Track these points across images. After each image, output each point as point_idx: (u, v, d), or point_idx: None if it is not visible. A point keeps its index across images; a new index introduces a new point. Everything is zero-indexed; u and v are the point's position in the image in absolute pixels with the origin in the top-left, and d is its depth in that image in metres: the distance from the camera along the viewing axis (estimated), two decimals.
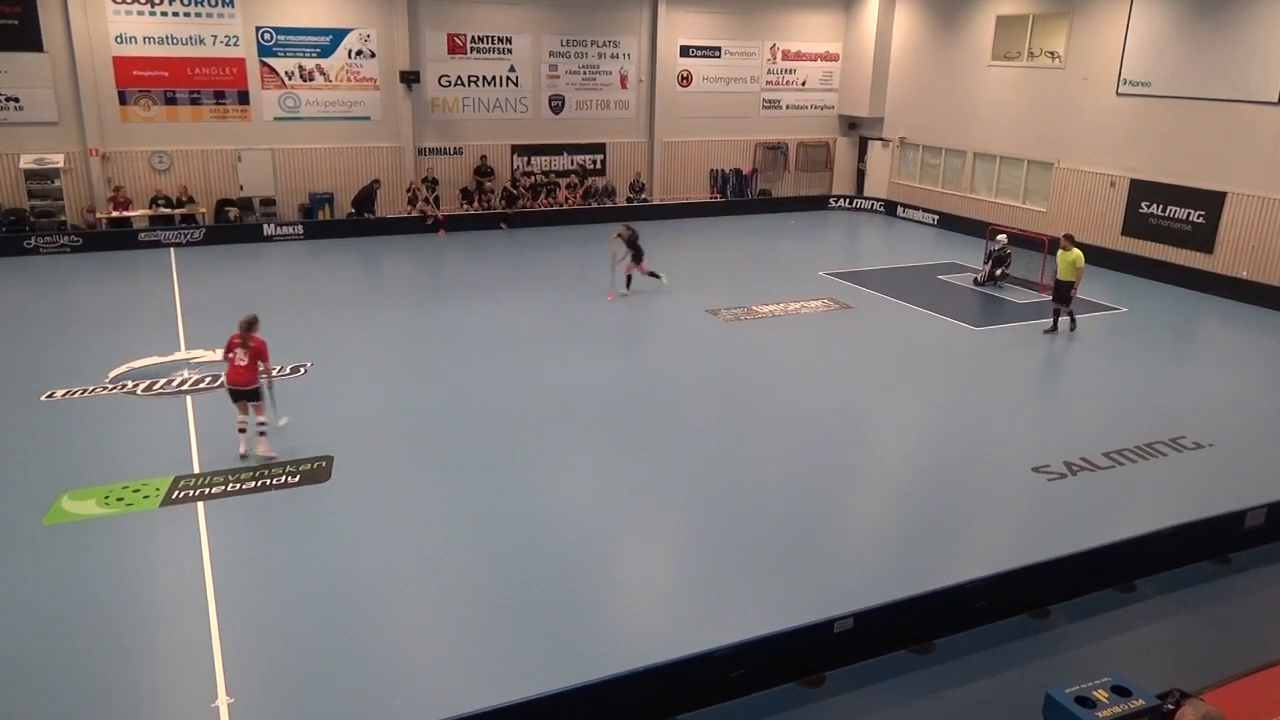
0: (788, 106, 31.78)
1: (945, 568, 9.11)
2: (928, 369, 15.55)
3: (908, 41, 30.13)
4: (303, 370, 14.56)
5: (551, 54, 28.22)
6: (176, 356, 14.95)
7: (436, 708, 6.86)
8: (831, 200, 32.25)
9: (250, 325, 11.44)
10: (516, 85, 28.04)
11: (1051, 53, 25.38)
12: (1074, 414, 13.62)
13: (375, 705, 7.22)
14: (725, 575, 9.13)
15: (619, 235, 19.32)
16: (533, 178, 28.48)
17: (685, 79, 30.01)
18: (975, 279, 21.36)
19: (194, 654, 7.82)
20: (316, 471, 11.08)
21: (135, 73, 23.78)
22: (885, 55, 30.77)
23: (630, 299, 19.16)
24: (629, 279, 19.48)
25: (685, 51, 29.80)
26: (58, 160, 23.19)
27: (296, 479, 10.89)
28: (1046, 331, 17.29)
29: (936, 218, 28.75)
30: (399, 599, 8.70)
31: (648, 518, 10.38)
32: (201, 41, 24.17)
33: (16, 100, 22.85)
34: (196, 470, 11.11)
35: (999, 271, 20.98)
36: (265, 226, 24.67)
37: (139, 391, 13.58)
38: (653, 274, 19.70)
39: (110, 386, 13.70)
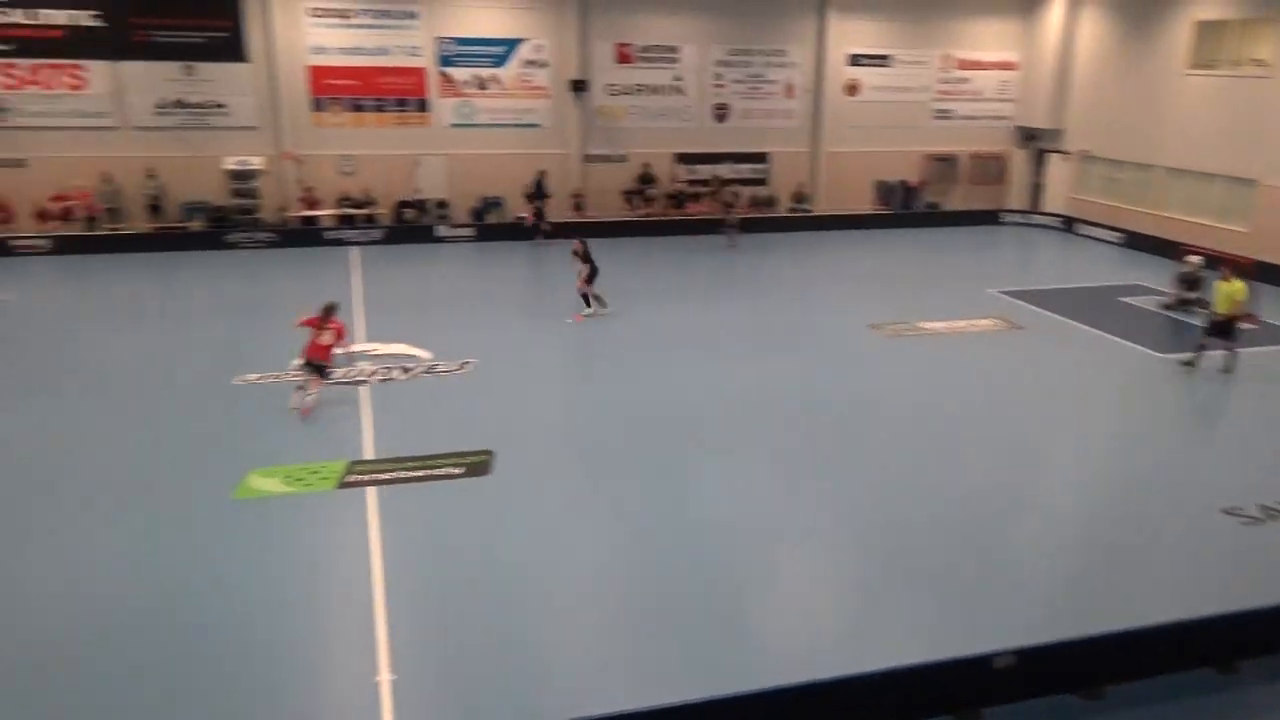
0: (960, 117, 30.71)
1: (1121, 609, 8.54)
2: (1105, 395, 14.65)
3: (1093, 50, 28.52)
4: (466, 366, 15.12)
5: (717, 63, 28.30)
6: (355, 348, 15.81)
7: (581, 703, 6.95)
8: (1004, 215, 30.92)
9: (330, 310, 13.11)
10: (682, 94, 28.26)
11: (1257, 60, 23.48)
12: (1271, 452, 12.51)
13: (527, 693, 7.38)
14: (881, 598, 8.86)
15: (574, 251, 18.06)
16: (701, 186, 28.65)
17: (853, 88, 29.48)
18: (1162, 303, 19.97)
19: (359, 629, 8.23)
20: (479, 465, 11.46)
21: (327, 81, 25.38)
22: (1068, 64, 29.24)
23: (793, 311, 18.96)
24: (587, 298, 18.12)
25: (854, 60, 29.27)
26: (257, 162, 25.01)
27: (460, 471, 11.31)
28: (1184, 364, 15.67)
29: (1122, 236, 27.06)
30: (553, 592, 8.88)
31: (804, 531, 10.20)
32: (387, 52, 25.56)
33: (223, 106, 24.80)
34: (369, 456, 11.71)
35: (1190, 296, 19.51)
36: (439, 228, 25.81)
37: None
38: (596, 297, 18.12)
39: (296, 374, 14.62)
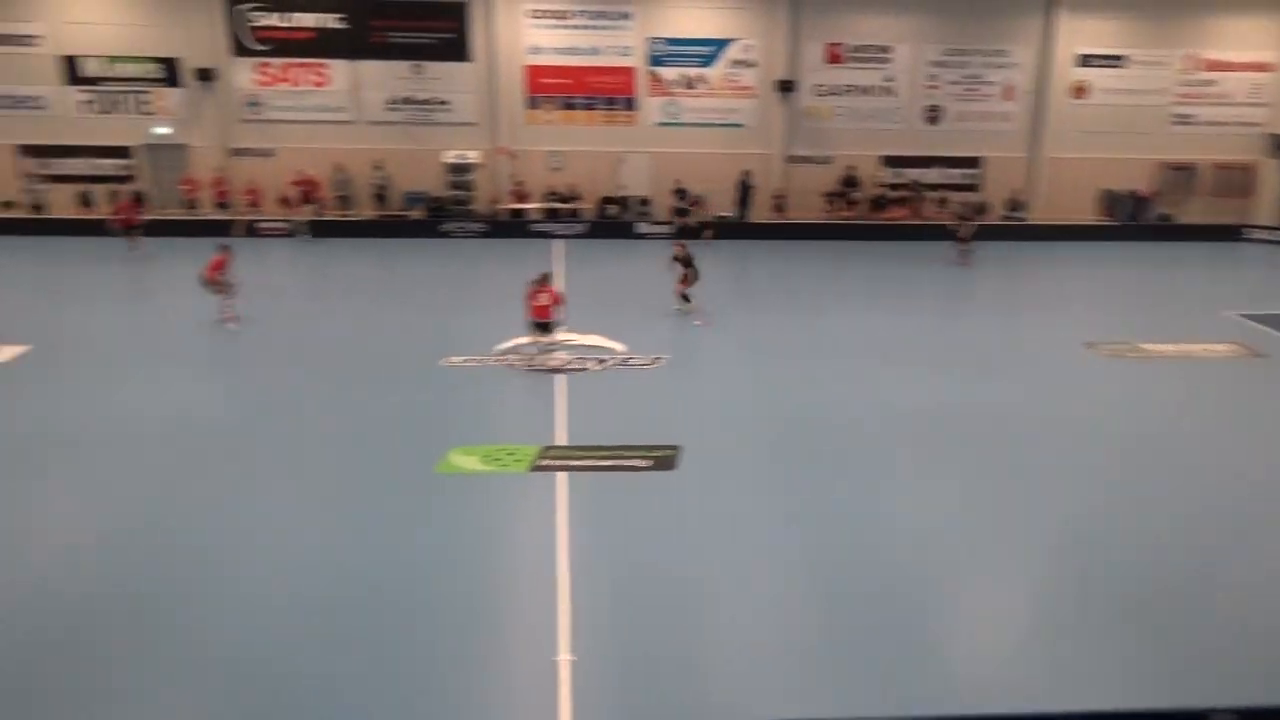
0: (1203, 123, 28.18)
1: None
2: None
3: None
4: (659, 361, 15.31)
5: (931, 63, 27.31)
6: (555, 337, 16.35)
7: (753, 705, 6.87)
8: (1249, 231, 28.14)
9: (545, 278, 14.96)
10: (892, 95, 27.46)
11: None
12: None
13: (698, 689, 7.38)
14: (1083, 634, 8.26)
15: (675, 256, 18.24)
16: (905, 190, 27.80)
17: (1080, 90, 27.67)
18: None
19: (543, 609, 8.49)
20: (666, 459, 11.58)
21: (542, 80, 26.40)
22: None
23: (1000, 322, 18.02)
24: (685, 297, 18.22)
25: (1084, 61, 27.45)
26: (473, 156, 26.37)
27: (648, 464, 11.46)
28: None
29: None
30: (731, 590, 8.84)
31: (1000, 556, 9.67)
32: (599, 52, 26.28)
33: (446, 103, 26.30)
34: (562, 442, 12.09)
35: None
36: (639, 224, 26.30)
37: (520, 366, 15.05)
38: (685, 297, 18.25)
39: (497, 359, 15.30)
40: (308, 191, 23.35)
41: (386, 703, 7.23)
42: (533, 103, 26.57)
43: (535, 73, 26.35)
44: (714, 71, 26.72)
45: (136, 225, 22.62)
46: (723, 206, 26.77)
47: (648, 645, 7.96)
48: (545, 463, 11.47)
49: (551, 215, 26.38)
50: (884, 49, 27.09)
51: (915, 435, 12.57)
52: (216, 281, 16.52)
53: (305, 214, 23.26)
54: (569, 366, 15.07)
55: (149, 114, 25.84)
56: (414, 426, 12.59)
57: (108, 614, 8.26)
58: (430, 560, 9.28)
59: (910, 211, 27.10)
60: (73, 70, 25.27)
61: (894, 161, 27.93)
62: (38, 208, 25.10)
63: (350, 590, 8.76)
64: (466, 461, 11.40)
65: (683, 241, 18.93)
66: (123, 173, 26.12)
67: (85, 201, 25.65)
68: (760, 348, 16.54)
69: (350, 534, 9.79)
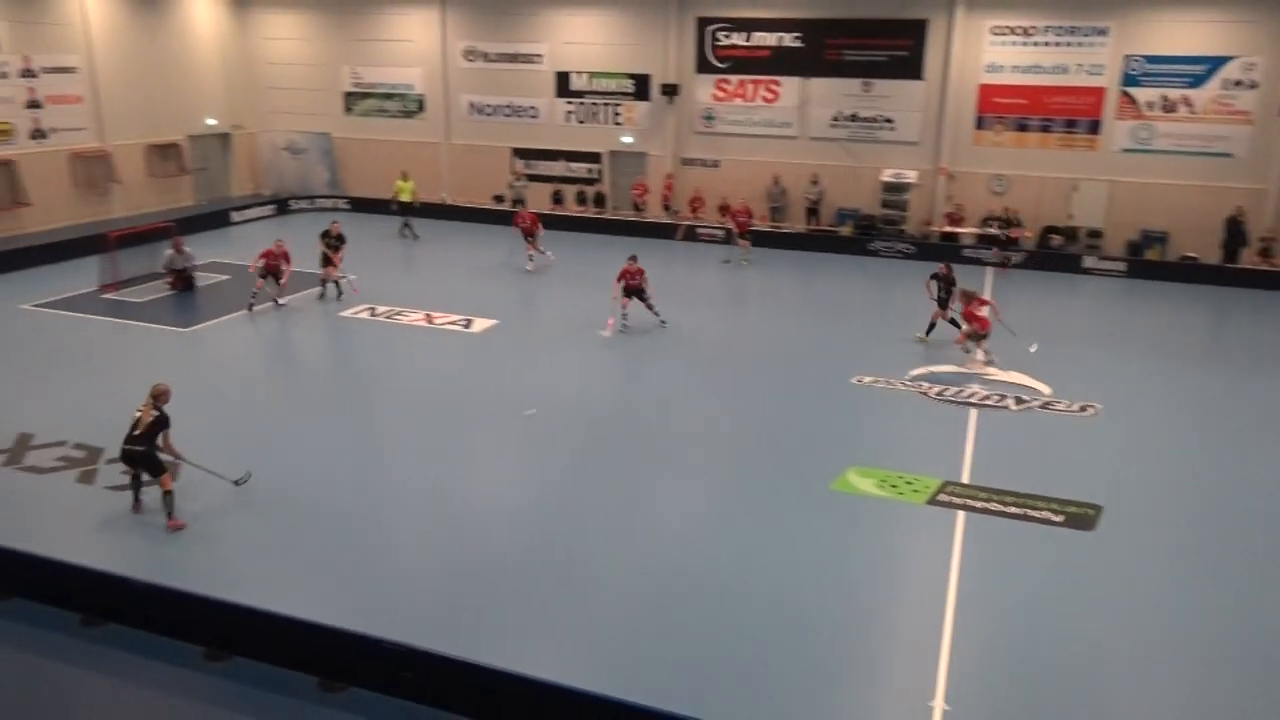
0: None
1: None
2: None
3: None
4: (1088, 410, 13.88)
5: None
6: (974, 369, 15.55)
7: None
8: None
9: (970, 295, 15.47)
10: None
11: None
12: None
13: None
14: None
15: (939, 275, 17.45)
16: None
17: None
18: None
19: (921, 650, 8.12)
20: (1082, 518, 10.49)
21: (995, 100, 25.12)
22: None
23: None
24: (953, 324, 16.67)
25: None
26: (911, 176, 25.85)
27: (1060, 519, 10.47)
28: None
29: None
30: (1131, 672, 7.80)
31: None
32: (1065, 70, 24.37)
33: (891, 121, 26.06)
34: (965, 480, 11.45)
35: None
36: (1086, 258, 24.04)
37: (931, 394, 14.49)
38: (952, 322, 16.77)
39: (909, 384, 14.88)
40: (742, 224, 24.20)
41: (755, 709, 7.39)
42: (981, 123, 25.40)
43: (989, 92, 25.15)
44: (1202, 93, 23.54)
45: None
46: (1192, 246, 23.56)
47: (1031, 713, 7.28)
48: (945, 498, 10.95)
49: (986, 241, 25.04)
50: None
51: None
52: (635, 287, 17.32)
53: (743, 248, 23.53)
54: (985, 402, 14.22)
55: (618, 124, 28.73)
56: (815, 439, 12.69)
57: (527, 557, 9.39)
58: (814, 576, 9.29)
59: None
60: (563, 84, 28.92)
61: None
62: (518, 202, 29.06)
63: (729, 587, 9.06)
64: (863, 483, 11.25)
65: (949, 263, 18.12)
66: (589, 176, 29.37)
67: (556, 199, 29.23)
68: (1215, 411, 14.31)
69: (739, 532, 10.12)
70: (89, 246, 21.09)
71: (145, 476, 10.13)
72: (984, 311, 15.69)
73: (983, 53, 24.97)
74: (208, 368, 15.34)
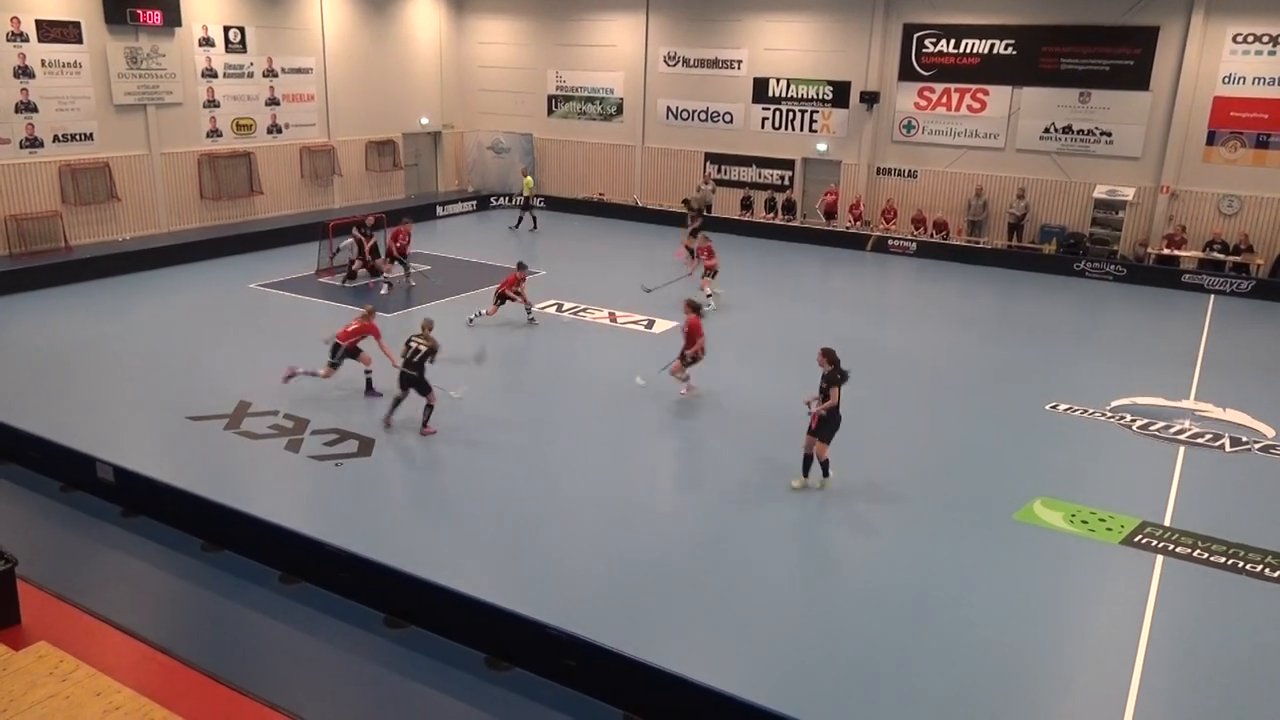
0: None
1: None
2: None
3: None
4: None
5: None
6: (1183, 404, 14.36)
7: None
8: None
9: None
10: None
11: None
12: None
13: None
14: None
15: None
16: None
17: None
18: None
19: (1105, 701, 7.56)
20: None
21: (1232, 114, 23.05)
22: None
23: None
24: None
25: None
26: (1128, 194, 24.10)
27: (1276, 575, 9.48)
28: None
29: None
30: None
31: None
32: None
33: (1109, 135, 24.39)
34: (1167, 523, 10.58)
35: None
36: None
37: (1134, 427, 13.47)
38: None
39: (1109, 414, 13.89)
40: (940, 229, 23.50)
41: None
42: (1212, 138, 23.35)
43: (1224, 104, 23.07)
44: None
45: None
46: None
47: None
48: (1142, 540, 10.16)
49: (1210, 267, 23.00)
50: None
51: None
52: None
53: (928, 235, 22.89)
54: (1196, 440, 13.08)
55: (814, 131, 28.33)
56: (1001, 465, 12.08)
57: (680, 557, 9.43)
58: (987, 609, 8.85)
59: None
60: (760, 90, 28.80)
61: None
62: (705, 207, 29.11)
63: (895, 609, 8.76)
64: (1050, 515, 10.61)
65: None
66: (780, 183, 29.11)
67: (744, 205, 29.11)
68: None
69: (911, 553, 9.77)
70: (310, 233, 22.91)
71: (410, 395, 12.23)
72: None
73: (1220, 62, 22.96)
74: None
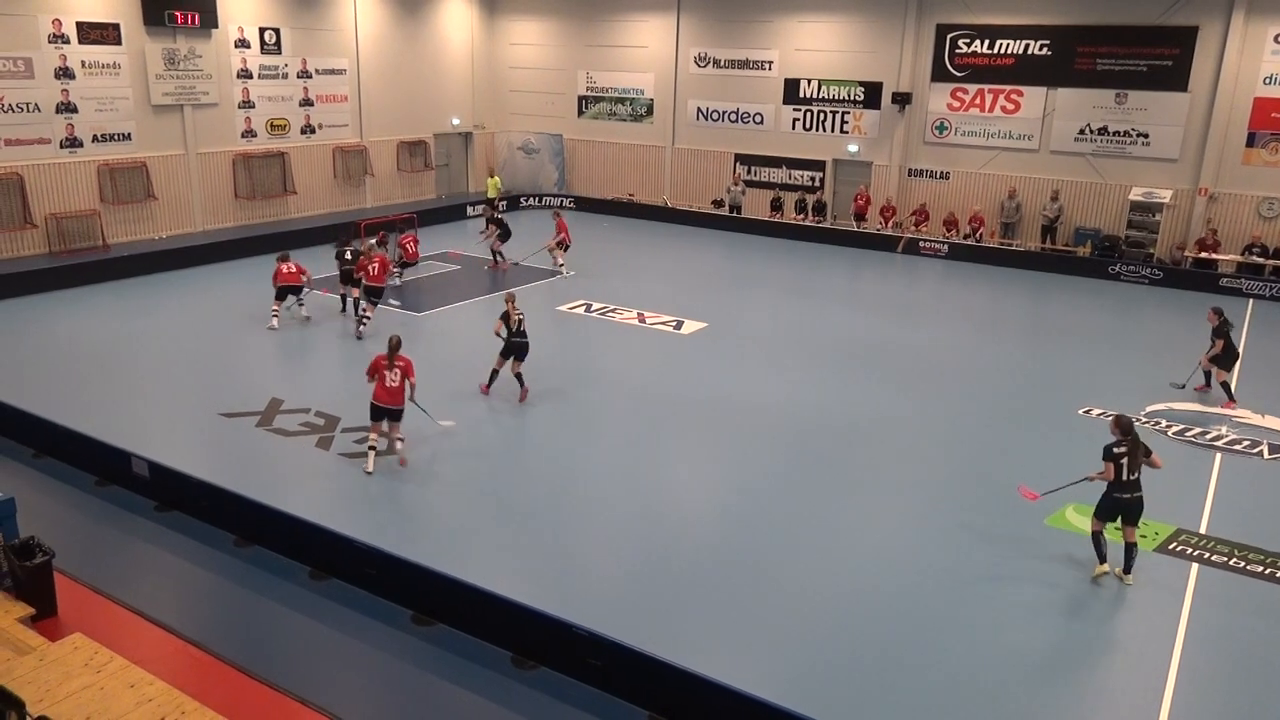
0: None
1: None
2: None
3: None
4: None
5: None
6: (1221, 410, 14.12)
7: None
8: None
9: (395, 348, 11.34)
10: None
11: None
12: None
13: None
14: None
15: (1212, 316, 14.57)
16: None
17: None
18: None
19: (1139, 709, 7.45)
20: None
21: (1273, 115, 22.66)
22: None
23: None
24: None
25: None
26: (1164, 196, 23.75)
27: None
28: None
29: None
30: None
31: None
32: None
33: (1146, 136, 24.05)
34: (1202, 530, 10.41)
35: None
36: None
37: (1169, 433, 13.27)
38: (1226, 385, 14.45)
39: (1144, 420, 13.69)
40: (976, 227, 23.35)
41: None
42: (1252, 139, 22.95)
43: (1265, 105, 22.66)
44: None
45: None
46: None
47: None
48: (1177, 547, 10.01)
49: (1249, 270, 22.61)
50: None
51: None
52: None
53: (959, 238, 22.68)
54: (1233, 447, 12.86)
55: (845, 133, 28.17)
56: (1033, 469, 11.91)
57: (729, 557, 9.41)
58: (1018, 614, 8.75)
59: None
60: (791, 91, 28.68)
61: None
62: (735, 208, 29.07)
63: (924, 614, 8.68)
64: (1083, 521, 10.45)
65: (1219, 308, 14.94)
66: (810, 184, 28.96)
67: (775, 206, 29.00)
68: None
69: (941, 557, 9.68)
70: (343, 233, 23.04)
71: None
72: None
73: (1262, 63, 22.57)
74: (441, 347, 16.35)
